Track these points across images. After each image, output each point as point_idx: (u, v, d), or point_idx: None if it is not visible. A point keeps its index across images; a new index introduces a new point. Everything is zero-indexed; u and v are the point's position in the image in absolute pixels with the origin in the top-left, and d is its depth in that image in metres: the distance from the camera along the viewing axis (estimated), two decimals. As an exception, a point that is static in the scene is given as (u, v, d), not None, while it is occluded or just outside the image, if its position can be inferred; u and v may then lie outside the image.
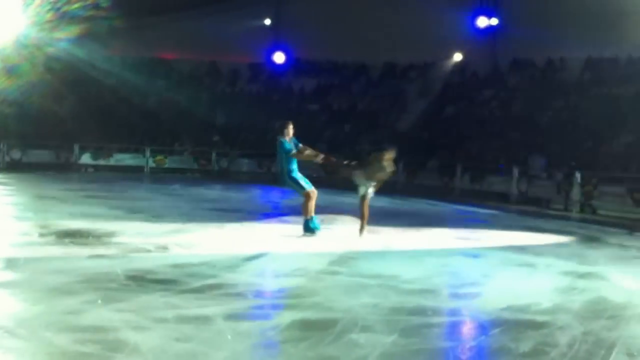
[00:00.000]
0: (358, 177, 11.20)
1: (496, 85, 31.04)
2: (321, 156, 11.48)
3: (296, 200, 19.30)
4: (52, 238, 9.65)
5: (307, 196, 11.19)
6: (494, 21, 32.10)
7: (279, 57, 34.01)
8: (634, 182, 19.56)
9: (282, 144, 11.16)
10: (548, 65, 30.42)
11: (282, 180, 11.43)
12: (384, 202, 18.42)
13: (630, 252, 11.90)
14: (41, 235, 9.87)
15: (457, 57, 31.82)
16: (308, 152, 11.44)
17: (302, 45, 32.57)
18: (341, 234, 11.73)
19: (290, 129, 11.27)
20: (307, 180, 11.37)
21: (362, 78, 34.62)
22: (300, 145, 11.38)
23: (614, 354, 5.41)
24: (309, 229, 11.23)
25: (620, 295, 7.65)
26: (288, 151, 11.14)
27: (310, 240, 10.84)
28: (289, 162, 11.21)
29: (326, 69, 34.47)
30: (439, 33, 30.07)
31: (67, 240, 9.53)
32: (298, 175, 11.30)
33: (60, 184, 19.79)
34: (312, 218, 11.26)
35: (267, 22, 35.22)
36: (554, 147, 23.91)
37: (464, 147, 26.23)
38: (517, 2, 30.34)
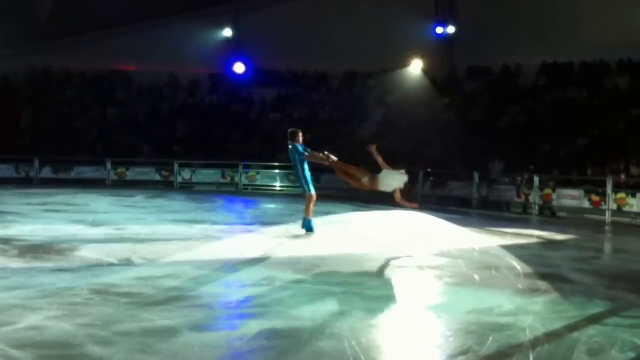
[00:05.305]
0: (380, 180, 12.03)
1: (454, 91, 31.38)
2: (332, 159, 12.45)
3: (260, 209, 19.37)
4: (14, 253, 9.52)
5: (310, 198, 12.62)
6: (451, 29, 32.51)
7: (239, 68, 33.90)
8: (591, 185, 19.93)
9: (296, 147, 12.67)
10: (504, 71, 30.87)
11: (297, 177, 13.02)
12: (347, 209, 18.54)
13: (588, 253, 12.15)
14: (2, 251, 9.73)
15: (416, 64, 32.09)
16: (320, 155, 12.61)
17: (262, 55, 32.52)
18: (306, 242, 11.79)
19: (301, 136, 12.89)
20: (313, 184, 12.89)
21: (322, 87, 34.73)
22: (309, 150, 12.83)
23: (575, 353, 5.52)
24: (309, 228, 12.66)
25: (580, 296, 7.81)
26: (302, 154, 12.63)
27: (275, 248, 10.87)
28: (302, 164, 12.67)
29: (286, 79, 34.49)
30: (397, 41, 30.27)
31: (29, 255, 9.41)
32: (309, 177, 12.78)
33: (20, 198, 19.49)
34: (310, 219, 12.69)
35: (227, 32, 35.15)
36: (513, 151, 24.26)
37: (423, 154, 26.42)
38: (473, 10, 30.74)
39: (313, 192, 12.73)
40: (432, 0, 32.77)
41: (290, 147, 12.79)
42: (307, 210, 12.69)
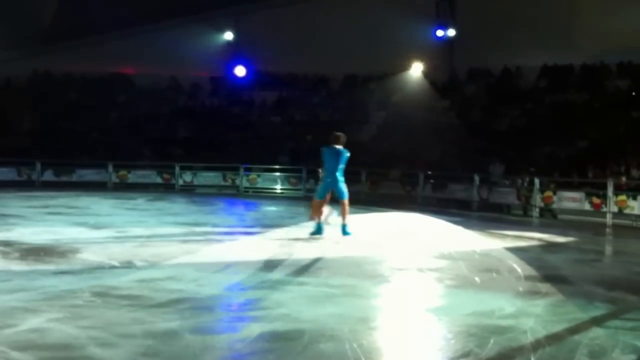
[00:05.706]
0: None
1: (454, 93, 31.41)
2: None
3: (260, 212, 19.36)
4: (15, 256, 9.53)
5: (346, 203, 12.72)
6: (451, 31, 32.57)
7: (240, 71, 33.96)
8: (591, 187, 19.94)
9: (343, 153, 12.57)
10: (504, 74, 30.90)
11: (335, 181, 12.63)
12: (349, 211, 18.50)
13: (589, 256, 12.16)
14: (4, 253, 9.74)
15: (416, 67, 32.13)
16: None
17: (262, 58, 32.60)
18: (306, 244, 11.80)
19: (342, 140, 12.69)
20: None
21: (322, 90, 34.77)
22: None
23: (577, 356, 5.52)
24: (346, 232, 12.68)
25: (581, 298, 7.80)
26: (346, 160, 12.62)
27: (275, 251, 10.87)
28: (341, 169, 12.61)
29: (287, 82, 34.56)
30: (397, 43, 30.35)
31: (30, 257, 9.42)
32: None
33: (22, 201, 19.51)
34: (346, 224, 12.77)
35: (228, 36, 35.21)
36: (512, 153, 24.27)
37: (423, 156, 26.43)
38: (474, 13, 30.81)
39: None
40: (433, 3, 32.88)
41: (331, 149, 12.62)
42: (344, 216, 12.77)
